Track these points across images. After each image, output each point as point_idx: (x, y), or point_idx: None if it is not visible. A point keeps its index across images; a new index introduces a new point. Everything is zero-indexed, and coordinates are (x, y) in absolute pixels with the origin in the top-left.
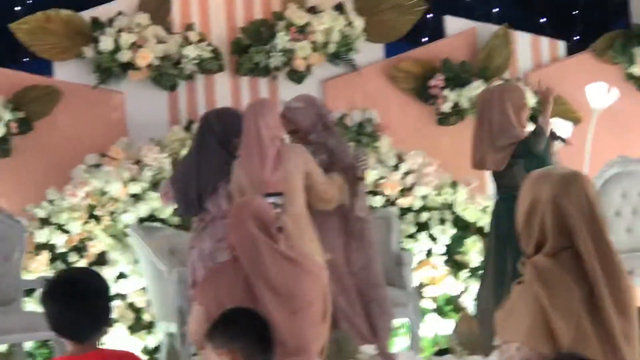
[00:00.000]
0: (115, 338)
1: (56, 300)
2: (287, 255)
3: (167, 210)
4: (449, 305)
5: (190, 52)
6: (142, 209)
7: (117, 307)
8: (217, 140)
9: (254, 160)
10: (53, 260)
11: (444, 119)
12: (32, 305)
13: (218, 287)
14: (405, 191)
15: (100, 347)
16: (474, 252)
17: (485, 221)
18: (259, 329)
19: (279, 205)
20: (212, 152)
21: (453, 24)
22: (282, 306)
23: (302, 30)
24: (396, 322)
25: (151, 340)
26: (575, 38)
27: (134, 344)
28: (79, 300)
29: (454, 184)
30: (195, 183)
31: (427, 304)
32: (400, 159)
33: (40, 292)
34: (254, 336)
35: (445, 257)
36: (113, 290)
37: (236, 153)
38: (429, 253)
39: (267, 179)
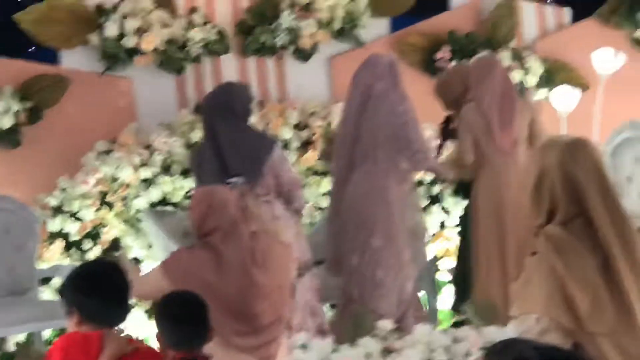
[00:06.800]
0: (134, 323)
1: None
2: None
3: (179, 194)
4: None
5: (196, 35)
6: (154, 194)
7: None
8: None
9: (505, 115)
10: (67, 248)
11: None
12: (48, 294)
13: (186, 270)
14: None
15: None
16: None
17: None
18: (178, 315)
19: (239, 185)
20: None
21: None
22: (270, 280)
23: (307, 8)
24: None
25: None
26: (579, 4)
27: (153, 328)
28: (110, 290)
29: None
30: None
31: (442, 276)
32: None
33: (57, 280)
34: (173, 322)
35: (458, 229)
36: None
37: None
38: (443, 225)
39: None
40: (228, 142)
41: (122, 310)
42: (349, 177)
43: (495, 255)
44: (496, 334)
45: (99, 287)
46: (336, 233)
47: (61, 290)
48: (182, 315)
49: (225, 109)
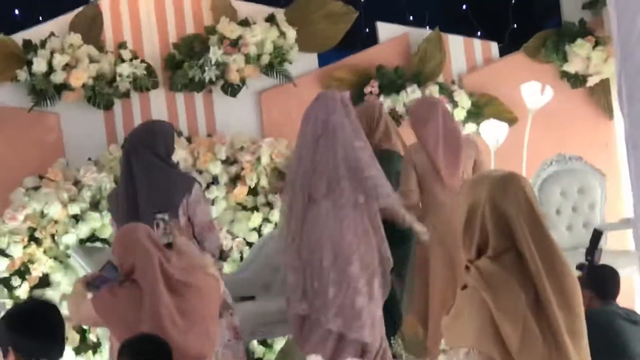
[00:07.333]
0: None
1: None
2: (178, 278)
3: (108, 230)
4: None
5: (124, 70)
6: (83, 230)
7: None
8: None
9: (450, 154)
10: None
11: None
12: None
13: (110, 310)
14: None
15: None
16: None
17: None
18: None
19: (167, 221)
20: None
21: (385, 30)
22: (192, 313)
23: (235, 43)
24: None
25: None
26: (507, 38)
27: None
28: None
29: None
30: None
31: None
32: None
33: None
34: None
35: None
36: None
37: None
38: None
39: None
40: (143, 182)
41: (58, 348)
42: (307, 211)
43: (451, 292)
44: None
45: (34, 325)
46: (302, 267)
47: None
48: (141, 355)
49: (145, 147)
